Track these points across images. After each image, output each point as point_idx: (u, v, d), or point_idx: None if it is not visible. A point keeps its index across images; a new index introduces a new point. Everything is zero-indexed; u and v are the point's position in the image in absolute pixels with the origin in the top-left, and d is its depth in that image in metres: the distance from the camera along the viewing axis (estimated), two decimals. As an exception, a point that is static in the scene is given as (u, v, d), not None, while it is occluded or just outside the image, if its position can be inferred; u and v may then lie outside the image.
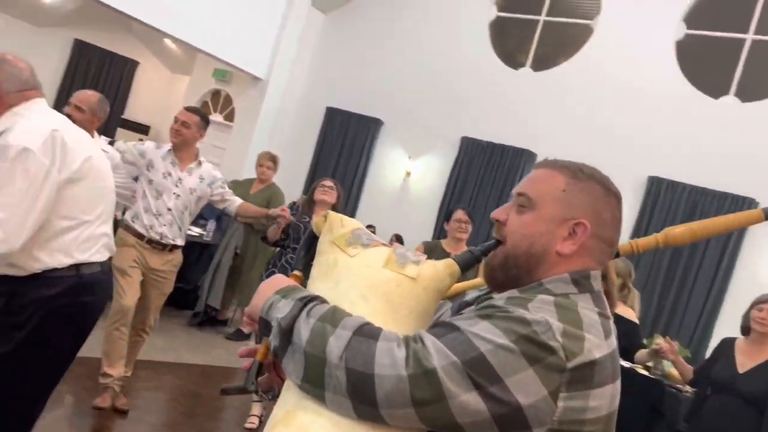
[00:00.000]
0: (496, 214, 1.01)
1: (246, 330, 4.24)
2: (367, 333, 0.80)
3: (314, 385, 0.80)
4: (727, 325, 6.09)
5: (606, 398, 0.84)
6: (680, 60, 7.16)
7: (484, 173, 8.05)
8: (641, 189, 7.00)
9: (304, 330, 0.81)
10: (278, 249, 3.63)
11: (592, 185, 0.97)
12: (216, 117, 9.85)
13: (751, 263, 6.39)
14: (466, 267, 1.02)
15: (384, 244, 1.00)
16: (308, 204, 3.58)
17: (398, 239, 7.52)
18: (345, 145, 9.20)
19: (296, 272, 1.03)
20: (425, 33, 8.78)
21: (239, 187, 5.03)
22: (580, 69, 7.62)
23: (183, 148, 3.27)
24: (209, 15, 7.78)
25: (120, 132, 11.33)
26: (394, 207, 8.51)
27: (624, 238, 1.06)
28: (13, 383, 1.78)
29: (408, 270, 0.94)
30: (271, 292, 0.89)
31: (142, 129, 11.67)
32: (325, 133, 9.42)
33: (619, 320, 2.67)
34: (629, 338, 3.29)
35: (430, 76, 8.61)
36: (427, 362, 0.77)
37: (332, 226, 1.01)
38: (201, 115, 3.35)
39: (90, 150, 1.86)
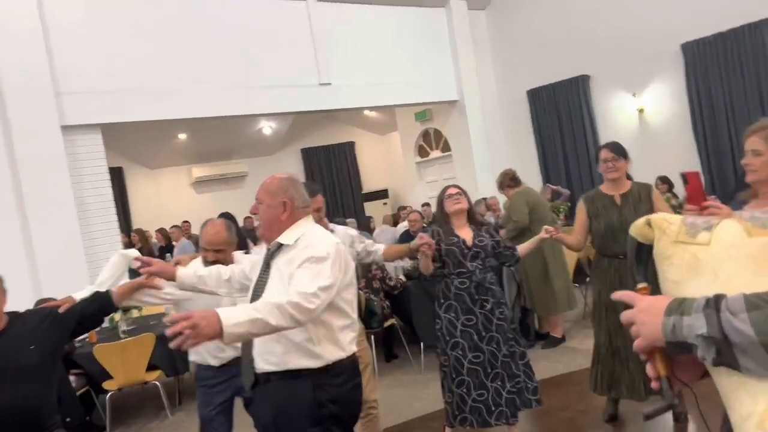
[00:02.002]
0: None
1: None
2: None
3: None
4: None
5: None
6: None
7: (728, 68, 6.98)
8: None
9: (742, 327, 0.82)
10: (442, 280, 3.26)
11: None
12: (436, 153, 10.29)
13: None
14: None
15: (720, 217, 1.00)
16: (443, 219, 3.30)
17: None
18: (562, 117, 8.83)
19: (643, 285, 1.05)
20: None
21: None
22: None
23: (322, 223, 3.14)
24: (387, 74, 8.30)
25: (367, 206, 12.53)
26: (641, 151, 7.45)
27: None
28: None
29: None
30: (659, 317, 0.92)
31: (381, 195, 12.73)
32: (536, 116, 9.17)
33: None
34: None
35: (610, 6, 7.90)
36: None
37: (662, 228, 1.04)
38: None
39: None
